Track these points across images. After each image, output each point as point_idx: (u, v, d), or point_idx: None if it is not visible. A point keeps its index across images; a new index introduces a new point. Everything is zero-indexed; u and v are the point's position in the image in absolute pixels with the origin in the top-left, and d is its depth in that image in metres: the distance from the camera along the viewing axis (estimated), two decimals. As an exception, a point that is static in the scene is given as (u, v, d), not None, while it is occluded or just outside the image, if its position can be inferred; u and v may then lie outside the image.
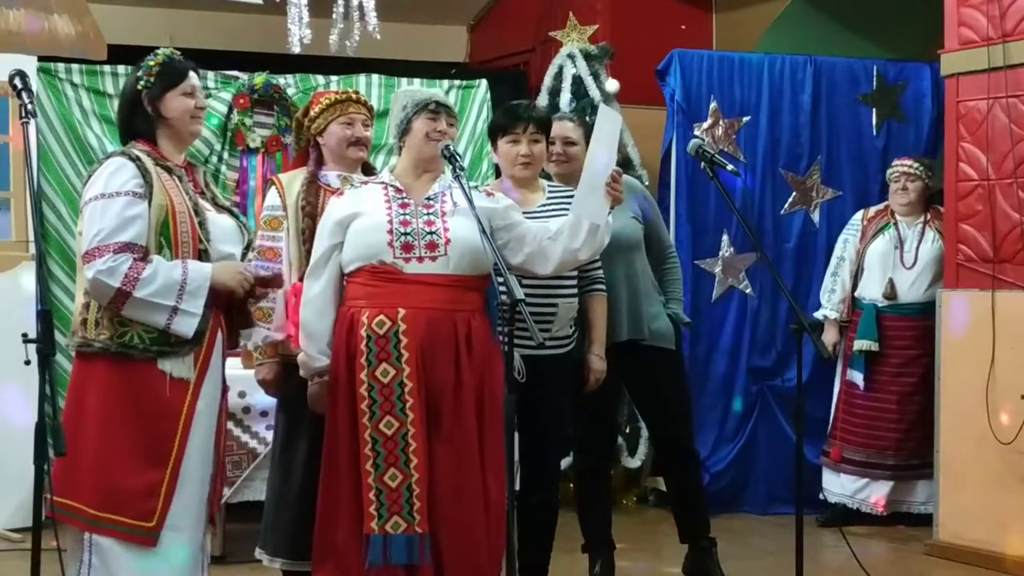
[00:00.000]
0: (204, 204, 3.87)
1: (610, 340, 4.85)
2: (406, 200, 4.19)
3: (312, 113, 4.67)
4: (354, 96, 4.67)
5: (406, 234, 4.10)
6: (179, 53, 3.98)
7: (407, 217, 4.13)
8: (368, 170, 4.73)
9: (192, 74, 3.93)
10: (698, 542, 5.21)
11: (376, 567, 4.01)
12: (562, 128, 4.98)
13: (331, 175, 4.57)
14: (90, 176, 3.78)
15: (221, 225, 3.90)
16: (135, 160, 3.74)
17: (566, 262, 4.30)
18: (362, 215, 4.15)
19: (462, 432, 4.09)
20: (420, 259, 4.08)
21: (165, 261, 3.70)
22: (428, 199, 4.20)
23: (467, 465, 4.10)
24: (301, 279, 4.40)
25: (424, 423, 4.04)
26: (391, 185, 4.23)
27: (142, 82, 3.86)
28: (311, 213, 4.45)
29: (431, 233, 4.11)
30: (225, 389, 4.02)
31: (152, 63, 3.88)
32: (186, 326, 3.70)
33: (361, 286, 4.13)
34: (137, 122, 3.88)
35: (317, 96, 4.75)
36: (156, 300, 3.65)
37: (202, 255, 3.78)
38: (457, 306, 4.11)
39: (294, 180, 4.63)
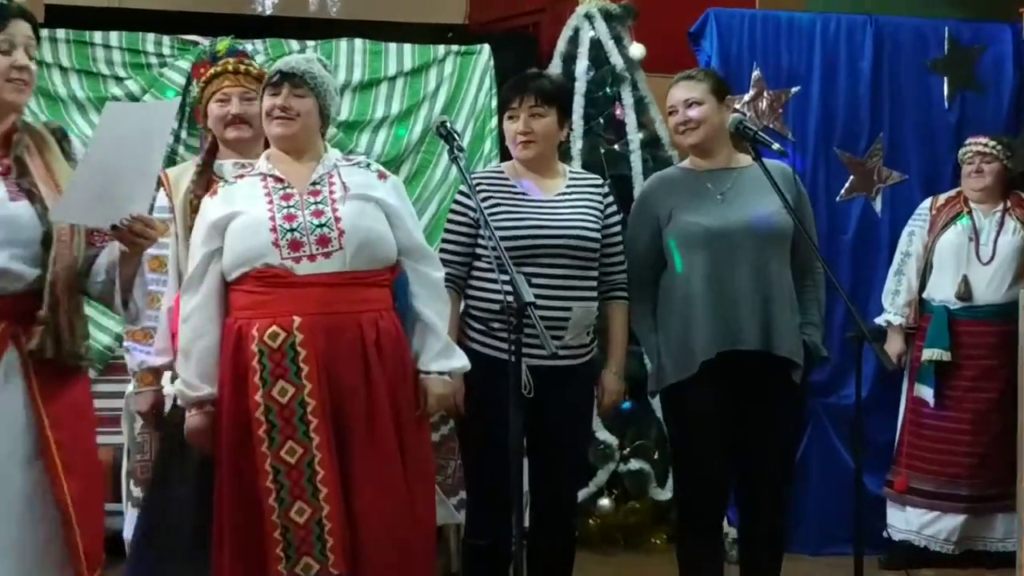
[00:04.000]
0: None
1: (718, 346, 4.69)
2: (288, 190, 4.17)
3: (194, 94, 4.65)
4: (231, 67, 4.69)
5: (292, 230, 4.09)
6: None
7: (292, 210, 4.12)
8: None
9: (12, 22, 3.65)
10: None
11: None
12: (679, 91, 4.87)
13: (226, 164, 4.58)
14: None
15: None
16: None
17: None
18: (240, 214, 4.13)
19: (381, 449, 4.10)
20: (312, 257, 4.08)
21: None
22: (313, 184, 4.18)
23: (391, 484, 4.10)
24: None
25: (332, 446, 4.04)
26: (269, 175, 4.22)
27: None
28: (200, 207, 4.41)
29: (321, 225, 4.11)
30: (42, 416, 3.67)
31: None
32: None
33: (247, 294, 4.10)
34: None
35: (196, 69, 4.73)
36: None
37: None
38: (361, 307, 4.13)
39: (183, 175, 4.64)
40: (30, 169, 3.62)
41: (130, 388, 4.81)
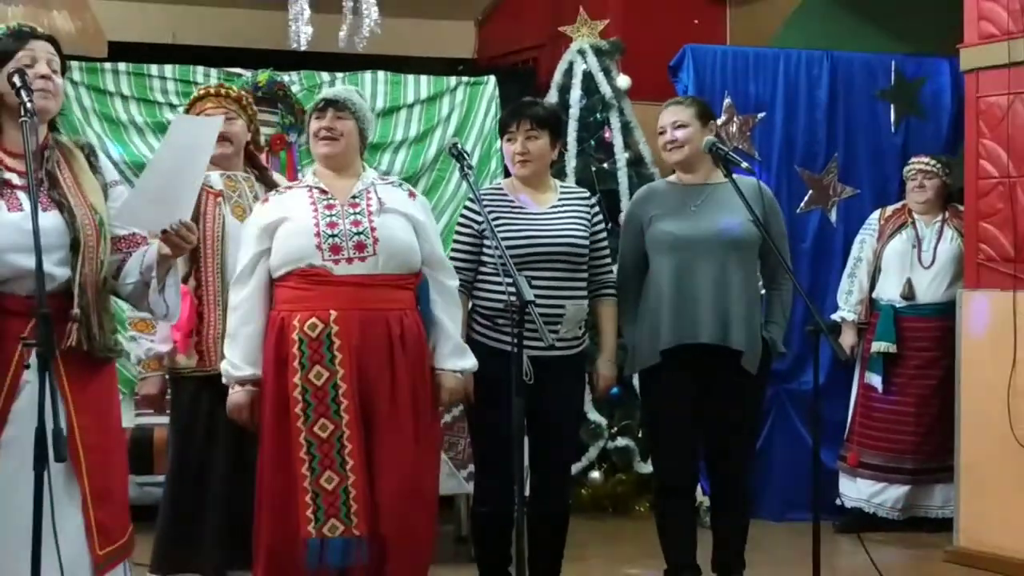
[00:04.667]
0: (14, 202, 3.46)
1: (678, 340, 4.72)
2: (331, 201, 4.21)
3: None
4: (212, 90, 4.67)
5: (333, 236, 4.12)
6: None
7: (334, 218, 4.16)
8: (259, 167, 4.72)
9: (32, 41, 3.54)
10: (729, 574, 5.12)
11: (313, 571, 4.05)
12: (667, 114, 4.89)
13: (213, 175, 4.53)
14: None
15: (16, 226, 3.39)
16: None
17: None
18: (288, 220, 4.17)
19: (399, 428, 4.14)
20: (349, 260, 4.11)
21: None
22: (353, 198, 4.23)
23: (406, 459, 4.14)
24: (184, 281, 4.38)
25: (359, 425, 4.07)
26: (315, 187, 4.25)
27: None
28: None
29: (359, 233, 4.14)
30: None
31: None
32: None
33: (291, 290, 4.14)
34: None
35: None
36: None
37: None
38: (389, 305, 4.16)
39: None
40: (60, 181, 3.54)
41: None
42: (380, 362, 4.11)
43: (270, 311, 4.19)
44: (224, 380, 4.22)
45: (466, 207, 4.77)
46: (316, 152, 4.32)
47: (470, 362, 4.36)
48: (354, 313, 4.08)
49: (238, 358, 4.16)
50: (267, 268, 4.19)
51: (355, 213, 4.18)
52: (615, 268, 4.94)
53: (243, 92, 4.76)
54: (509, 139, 4.72)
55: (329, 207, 4.19)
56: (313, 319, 4.06)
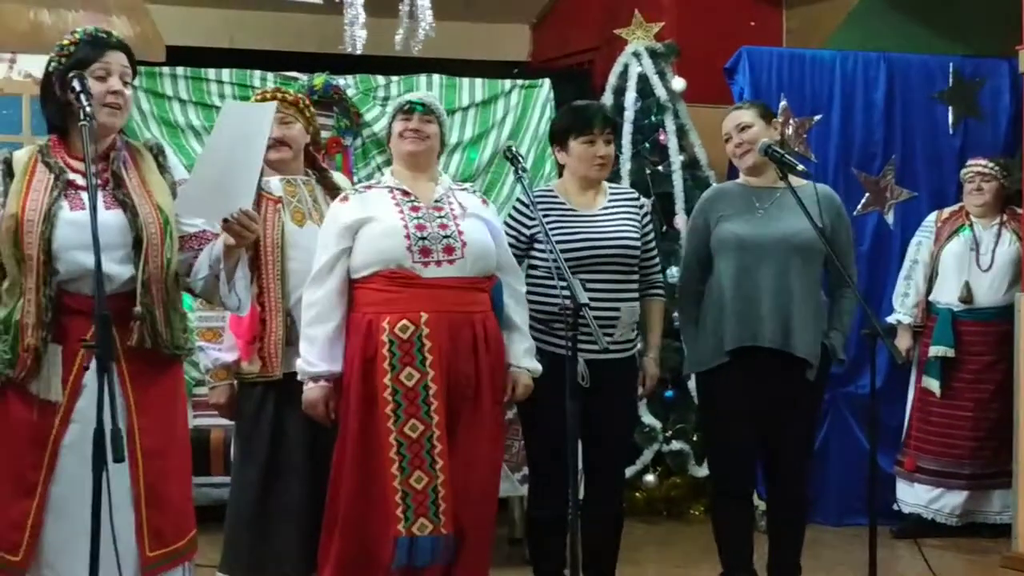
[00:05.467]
0: (77, 202, 3.50)
1: (740, 342, 4.71)
2: (416, 204, 4.23)
3: None
4: (269, 95, 4.63)
5: (423, 238, 4.15)
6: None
7: (421, 221, 4.18)
8: (320, 168, 4.69)
9: (109, 52, 3.59)
10: None
11: (402, 569, 4.07)
12: (731, 120, 4.88)
13: (273, 180, 4.48)
14: None
15: (77, 224, 3.44)
16: (4, 161, 3.56)
17: None
18: (373, 220, 4.18)
19: (480, 427, 4.20)
20: (438, 263, 4.14)
21: None
22: (437, 201, 4.26)
23: (483, 457, 4.21)
24: None
25: (447, 425, 4.11)
26: (397, 189, 4.27)
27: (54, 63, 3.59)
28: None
29: (447, 236, 4.17)
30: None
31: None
32: None
33: (377, 292, 4.16)
34: (48, 110, 3.63)
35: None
36: None
37: (45, 269, 3.44)
38: (473, 307, 4.21)
39: None
40: (126, 181, 3.56)
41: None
42: (467, 364, 4.16)
43: (350, 312, 4.20)
44: (299, 376, 4.23)
45: (515, 208, 4.79)
46: (401, 150, 4.33)
47: (537, 364, 4.40)
48: (444, 315, 4.12)
49: (314, 355, 4.18)
50: (346, 267, 4.20)
51: (440, 216, 4.21)
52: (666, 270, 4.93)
53: (300, 96, 4.76)
54: (589, 141, 4.69)
55: (414, 209, 4.21)
56: (404, 321, 4.10)
